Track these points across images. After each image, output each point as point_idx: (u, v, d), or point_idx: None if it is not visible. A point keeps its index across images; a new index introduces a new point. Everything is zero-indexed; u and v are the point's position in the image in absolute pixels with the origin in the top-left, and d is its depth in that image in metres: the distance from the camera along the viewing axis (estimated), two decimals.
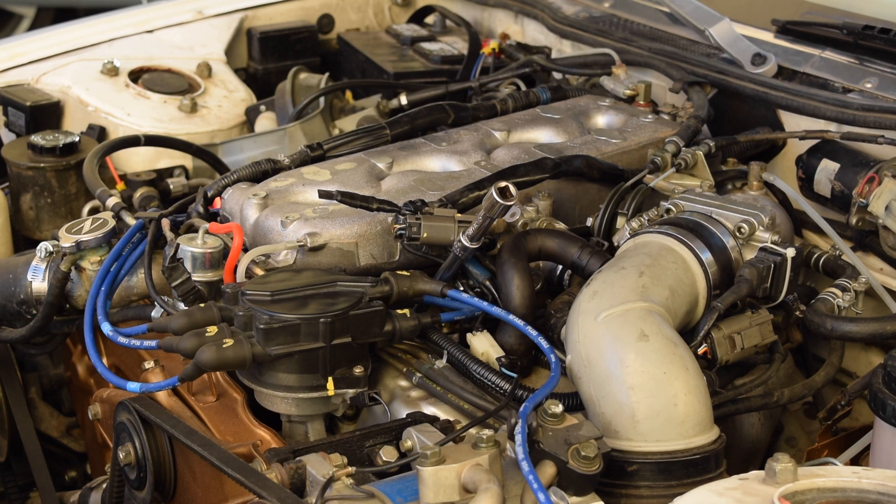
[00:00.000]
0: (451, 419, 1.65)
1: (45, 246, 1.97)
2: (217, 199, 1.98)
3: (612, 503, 1.49)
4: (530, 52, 2.66)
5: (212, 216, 1.98)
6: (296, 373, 1.65)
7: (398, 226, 1.79)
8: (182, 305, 1.80)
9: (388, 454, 1.57)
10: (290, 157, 2.06)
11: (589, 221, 1.96)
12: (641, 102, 2.33)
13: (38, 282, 1.96)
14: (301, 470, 1.50)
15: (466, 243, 1.74)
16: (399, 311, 1.72)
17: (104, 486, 1.82)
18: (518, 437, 1.40)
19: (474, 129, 2.18)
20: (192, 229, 1.93)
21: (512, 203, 1.68)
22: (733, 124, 2.32)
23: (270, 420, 1.74)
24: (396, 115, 2.26)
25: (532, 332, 1.65)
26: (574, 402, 1.63)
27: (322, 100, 2.58)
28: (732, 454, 1.70)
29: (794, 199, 2.05)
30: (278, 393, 1.67)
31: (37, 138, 2.38)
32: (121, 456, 1.69)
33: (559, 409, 1.46)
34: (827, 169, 2.09)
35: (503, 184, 1.68)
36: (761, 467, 1.31)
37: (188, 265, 1.82)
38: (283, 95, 2.66)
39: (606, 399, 1.54)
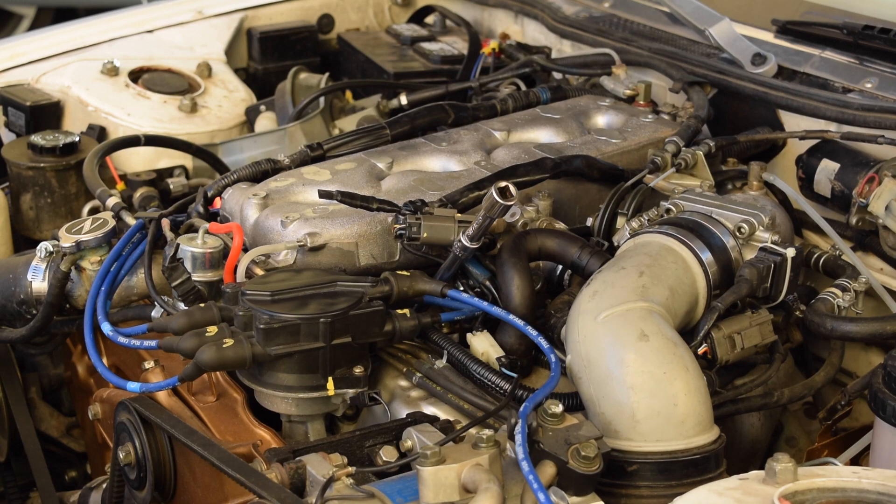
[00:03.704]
0: (451, 419, 1.65)
1: (45, 246, 1.97)
2: (217, 199, 1.98)
3: (612, 503, 1.50)
4: (530, 52, 2.66)
5: (212, 216, 1.98)
6: (296, 373, 1.65)
7: (398, 226, 1.79)
8: (182, 305, 1.80)
9: (388, 454, 1.57)
10: (290, 157, 2.06)
11: (589, 221, 1.96)
12: (641, 102, 2.33)
13: (38, 282, 1.96)
14: (301, 470, 1.50)
15: (466, 243, 1.74)
16: (399, 311, 1.72)
17: (104, 486, 1.82)
18: (518, 437, 1.40)
19: (474, 129, 2.18)
20: (192, 229, 1.93)
21: (512, 203, 1.68)
22: (733, 124, 2.32)
23: (270, 420, 1.74)
24: (396, 115, 2.26)
25: (532, 332, 1.65)
26: (574, 402, 1.63)
27: (322, 100, 2.58)
28: (732, 454, 1.70)
29: (794, 199, 2.05)
30: (278, 393, 1.67)
31: (37, 138, 2.38)
32: (121, 456, 1.69)
33: (559, 409, 1.46)
34: (827, 169, 2.09)
35: (503, 184, 1.68)
36: (761, 467, 1.31)
37: (188, 265, 1.82)
38: (283, 95, 2.66)
39: (606, 399, 1.54)
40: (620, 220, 1.93)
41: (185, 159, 2.46)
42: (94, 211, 2.23)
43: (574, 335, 1.59)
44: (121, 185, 2.32)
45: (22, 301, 1.97)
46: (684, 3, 2.52)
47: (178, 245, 1.83)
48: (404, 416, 1.67)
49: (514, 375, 1.67)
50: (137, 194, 2.30)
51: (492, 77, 2.57)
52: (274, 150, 2.48)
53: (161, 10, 2.96)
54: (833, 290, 1.86)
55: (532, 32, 2.85)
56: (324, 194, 1.86)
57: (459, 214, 1.79)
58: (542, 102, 2.35)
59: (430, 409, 1.70)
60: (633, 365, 1.53)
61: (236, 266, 1.78)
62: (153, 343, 1.72)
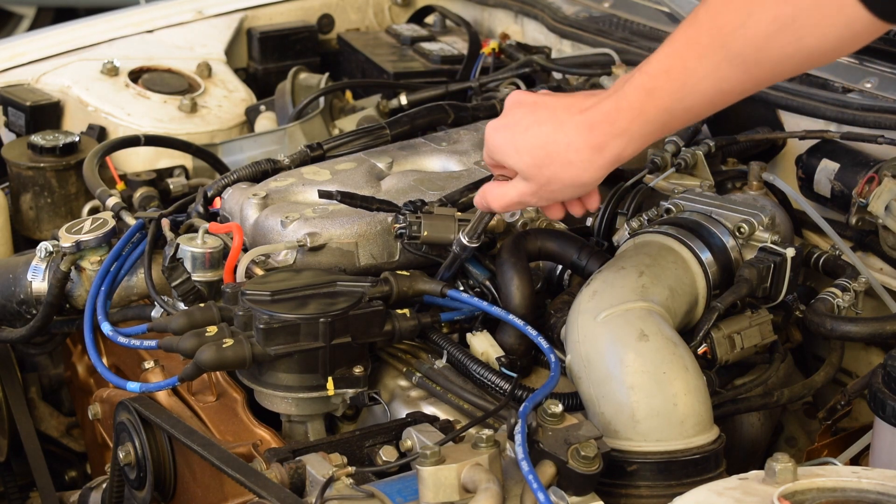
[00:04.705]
0: (451, 419, 1.65)
1: (45, 246, 1.97)
2: (217, 199, 1.98)
3: (611, 503, 1.50)
4: (530, 52, 2.66)
5: (212, 216, 1.98)
6: (296, 373, 1.65)
7: (398, 225, 1.79)
8: (182, 305, 1.80)
9: (388, 454, 1.57)
10: (290, 157, 2.06)
11: (589, 221, 1.96)
12: None
13: (38, 282, 1.96)
14: (301, 470, 1.50)
15: (465, 241, 1.74)
16: (399, 311, 1.72)
17: (104, 486, 1.82)
18: (518, 437, 1.40)
19: (474, 129, 2.18)
20: (192, 229, 1.93)
21: None
22: (733, 124, 2.31)
23: (270, 420, 1.74)
24: (396, 115, 2.26)
25: (532, 331, 1.65)
26: (574, 402, 1.63)
27: (322, 100, 2.58)
28: (732, 454, 1.70)
29: (794, 199, 2.05)
30: (278, 393, 1.67)
31: (37, 138, 2.38)
32: (121, 456, 1.70)
33: (559, 408, 1.46)
34: (827, 169, 2.09)
35: None
36: (761, 467, 1.31)
37: (188, 265, 1.82)
38: (283, 95, 2.66)
39: (606, 399, 1.54)
40: (620, 220, 1.93)
41: (185, 159, 2.46)
42: (94, 211, 2.23)
43: (574, 335, 1.59)
44: (121, 185, 2.31)
45: (22, 301, 1.97)
46: (684, 3, 2.52)
47: (177, 245, 1.83)
48: (404, 416, 1.67)
49: (514, 375, 1.67)
50: (137, 194, 2.29)
51: (492, 77, 2.57)
52: (274, 150, 2.48)
53: (161, 10, 2.96)
54: (833, 290, 1.85)
55: (532, 32, 2.85)
56: (323, 194, 1.86)
57: (459, 214, 1.79)
58: None
59: (429, 409, 1.70)
60: (632, 365, 1.53)
61: (236, 266, 1.78)
62: (153, 343, 1.72)
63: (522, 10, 2.87)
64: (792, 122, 2.24)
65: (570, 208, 1.63)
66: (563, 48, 2.73)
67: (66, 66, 2.69)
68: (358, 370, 1.67)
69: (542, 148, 1.50)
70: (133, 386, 1.69)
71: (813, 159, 2.12)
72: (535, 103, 1.55)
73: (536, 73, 2.55)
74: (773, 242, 1.76)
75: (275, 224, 1.85)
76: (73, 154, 2.38)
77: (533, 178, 1.54)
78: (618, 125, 1.46)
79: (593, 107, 1.48)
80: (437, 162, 2.06)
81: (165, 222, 1.93)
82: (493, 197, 1.61)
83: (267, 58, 2.90)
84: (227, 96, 2.67)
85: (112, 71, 2.64)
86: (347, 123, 2.55)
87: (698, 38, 1.38)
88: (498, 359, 1.70)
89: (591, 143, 1.47)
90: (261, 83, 2.85)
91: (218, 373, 1.80)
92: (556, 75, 2.59)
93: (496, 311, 1.71)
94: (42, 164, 2.36)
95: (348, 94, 2.73)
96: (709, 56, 1.38)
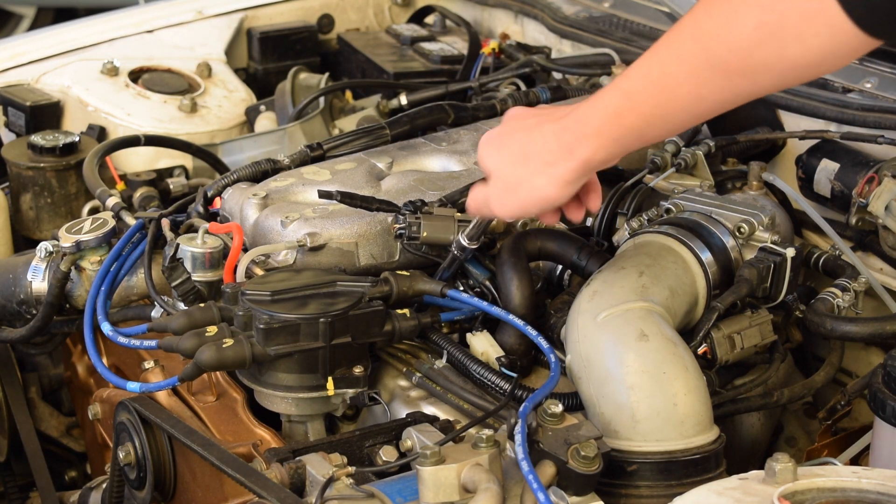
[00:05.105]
0: (451, 419, 1.65)
1: (45, 246, 1.97)
2: (217, 199, 1.98)
3: (611, 503, 1.50)
4: (530, 52, 2.66)
5: (212, 216, 1.98)
6: (296, 373, 1.65)
7: (398, 225, 1.79)
8: (182, 305, 1.80)
9: (387, 454, 1.57)
10: (290, 157, 2.06)
11: (589, 221, 1.96)
12: None
13: (38, 282, 1.96)
14: (301, 470, 1.50)
15: (465, 243, 1.74)
16: (399, 311, 1.72)
17: (104, 486, 1.82)
18: (518, 437, 1.40)
19: (474, 129, 2.18)
20: (192, 229, 1.93)
21: None
22: (733, 124, 2.32)
23: (270, 420, 1.74)
24: (396, 115, 2.26)
25: (532, 331, 1.65)
26: (574, 402, 1.63)
27: (322, 100, 2.58)
28: (732, 454, 1.70)
29: (794, 199, 2.05)
30: (278, 393, 1.67)
31: (37, 138, 2.38)
32: (121, 456, 1.70)
33: (559, 408, 1.46)
34: (827, 169, 2.09)
35: None
36: (761, 467, 1.31)
37: (188, 265, 1.82)
38: (283, 95, 2.66)
39: (606, 399, 1.54)
40: (620, 220, 1.93)
41: (185, 159, 2.46)
42: (94, 211, 2.23)
43: (573, 335, 1.59)
44: (121, 185, 2.32)
45: (22, 301, 1.97)
46: (684, 3, 2.52)
47: (177, 245, 1.83)
48: (404, 416, 1.67)
49: (514, 375, 1.67)
50: (137, 194, 2.30)
51: (492, 77, 2.57)
52: (274, 150, 2.48)
53: (161, 10, 2.96)
54: (833, 290, 1.86)
55: (532, 32, 2.85)
56: (323, 194, 1.86)
57: (459, 214, 1.79)
58: (542, 102, 2.35)
59: (429, 409, 1.70)
60: (632, 365, 1.53)
61: (236, 266, 1.78)
62: (153, 343, 1.72)
63: (522, 10, 2.87)
64: (792, 122, 2.24)
65: (569, 212, 1.63)
66: (563, 48, 2.73)
67: (66, 66, 2.69)
68: (358, 370, 1.67)
69: (521, 149, 1.52)
70: (133, 386, 1.69)
71: (813, 159, 2.12)
72: (528, 113, 1.57)
73: (536, 73, 2.56)
74: (773, 242, 1.76)
75: (275, 224, 1.85)
76: (73, 154, 2.38)
77: (502, 177, 1.55)
78: (590, 126, 1.46)
79: (573, 110, 1.49)
80: (437, 162, 2.06)
81: (165, 222, 1.93)
82: (469, 198, 1.64)
83: (267, 58, 2.90)
84: (227, 96, 2.67)
85: (112, 71, 2.64)
86: (347, 123, 2.55)
87: (680, 42, 1.37)
88: (498, 359, 1.70)
89: (564, 144, 1.48)
90: (261, 83, 2.85)
91: (218, 373, 1.80)
92: (556, 75, 2.59)
93: (496, 311, 1.71)
94: (42, 164, 2.36)
95: (348, 94, 2.73)
96: (689, 60, 1.36)
